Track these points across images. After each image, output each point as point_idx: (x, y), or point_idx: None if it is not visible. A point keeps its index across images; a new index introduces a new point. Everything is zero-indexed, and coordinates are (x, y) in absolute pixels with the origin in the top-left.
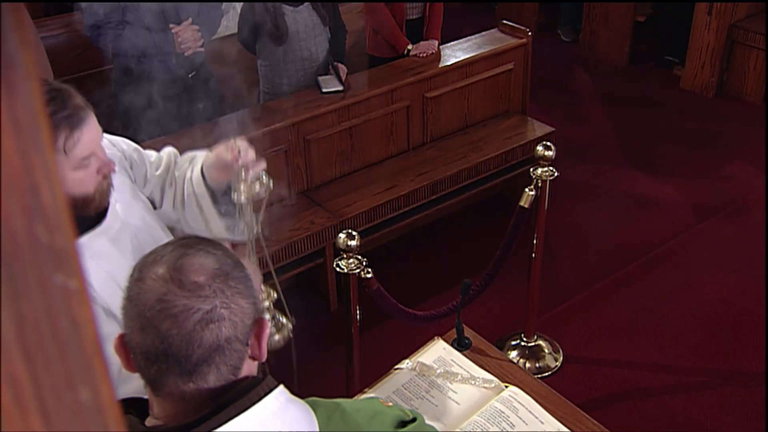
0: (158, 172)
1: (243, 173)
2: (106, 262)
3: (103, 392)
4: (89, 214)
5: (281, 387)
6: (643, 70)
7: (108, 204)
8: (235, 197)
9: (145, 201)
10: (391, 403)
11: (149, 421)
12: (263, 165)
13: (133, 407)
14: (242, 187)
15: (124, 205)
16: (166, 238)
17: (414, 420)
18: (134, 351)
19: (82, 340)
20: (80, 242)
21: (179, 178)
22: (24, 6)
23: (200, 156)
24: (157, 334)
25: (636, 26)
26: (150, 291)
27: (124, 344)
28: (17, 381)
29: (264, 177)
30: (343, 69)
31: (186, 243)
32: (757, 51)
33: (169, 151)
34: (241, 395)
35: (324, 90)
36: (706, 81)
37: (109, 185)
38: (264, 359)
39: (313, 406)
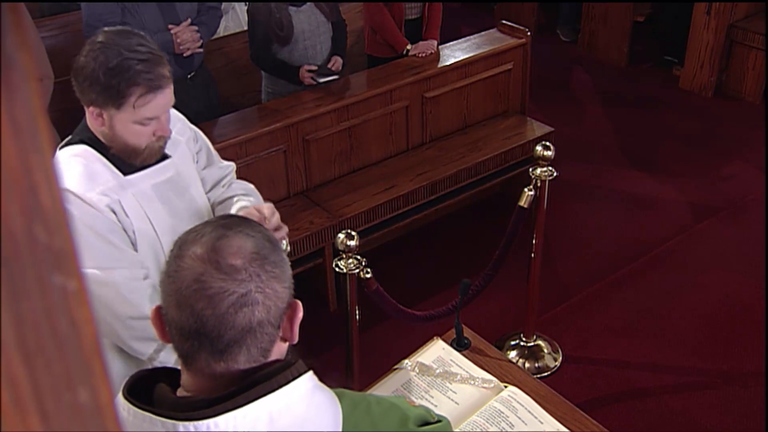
0: (221, 165)
1: None
2: (149, 200)
3: (102, 393)
4: (134, 163)
5: (310, 373)
6: (642, 70)
7: (161, 156)
8: None
9: (197, 174)
10: (417, 403)
11: (180, 392)
12: (285, 231)
13: (166, 377)
14: None
15: (182, 165)
16: (200, 199)
17: (439, 422)
18: (170, 325)
19: (81, 340)
20: (132, 178)
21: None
22: (23, 6)
23: (242, 203)
24: (192, 312)
25: (635, 26)
26: (188, 270)
27: (160, 316)
28: (16, 381)
29: (284, 243)
30: (339, 62)
31: (226, 224)
32: (756, 51)
33: (232, 164)
34: (269, 377)
35: (320, 81)
36: (705, 81)
37: (161, 147)
38: (295, 342)
39: (340, 396)
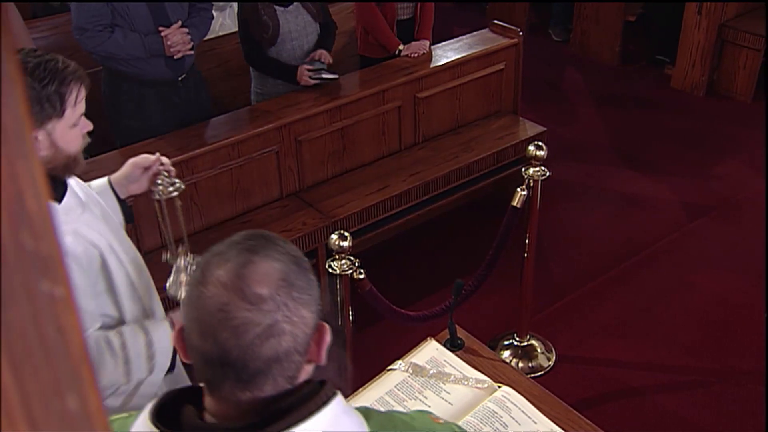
0: None
1: (161, 177)
2: (81, 217)
3: (91, 399)
4: (70, 175)
5: (339, 396)
6: (634, 69)
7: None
8: (155, 195)
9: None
10: (442, 420)
11: (207, 417)
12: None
13: (191, 396)
14: (159, 188)
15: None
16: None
17: None
18: (192, 350)
19: (69, 347)
20: (65, 204)
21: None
22: (14, 8)
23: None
24: (215, 341)
25: (627, 26)
26: (212, 298)
27: (183, 338)
28: (4, 389)
29: (177, 181)
30: (326, 56)
31: (252, 247)
32: (747, 50)
33: None
34: (298, 404)
35: (324, 76)
36: (697, 80)
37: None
38: (322, 362)
39: (366, 416)
